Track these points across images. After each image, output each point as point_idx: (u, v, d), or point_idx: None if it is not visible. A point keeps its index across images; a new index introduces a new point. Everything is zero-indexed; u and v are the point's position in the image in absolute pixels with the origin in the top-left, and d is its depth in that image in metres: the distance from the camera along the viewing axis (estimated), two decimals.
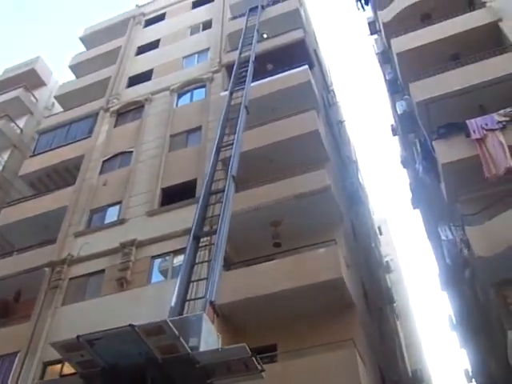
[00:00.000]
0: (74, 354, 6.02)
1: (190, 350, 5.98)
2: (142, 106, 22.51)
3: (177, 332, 5.91)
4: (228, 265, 13.89)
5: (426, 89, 15.92)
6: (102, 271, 15.84)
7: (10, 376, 14.22)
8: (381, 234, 37.71)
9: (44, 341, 14.59)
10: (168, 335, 5.83)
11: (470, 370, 22.23)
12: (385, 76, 23.60)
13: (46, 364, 14.24)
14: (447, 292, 22.67)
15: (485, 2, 18.16)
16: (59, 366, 14.17)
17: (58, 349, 6.09)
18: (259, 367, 6.18)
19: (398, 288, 38.30)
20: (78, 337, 5.94)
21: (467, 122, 14.05)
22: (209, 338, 6.51)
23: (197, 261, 9.11)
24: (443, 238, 14.93)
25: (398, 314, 32.99)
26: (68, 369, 14.11)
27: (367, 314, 16.04)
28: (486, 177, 13.04)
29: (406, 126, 19.46)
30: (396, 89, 21.09)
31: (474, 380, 22.10)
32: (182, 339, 5.89)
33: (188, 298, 8.08)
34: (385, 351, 18.42)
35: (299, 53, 20.83)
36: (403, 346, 30.15)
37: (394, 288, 34.55)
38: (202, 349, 6.18)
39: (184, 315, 7.12)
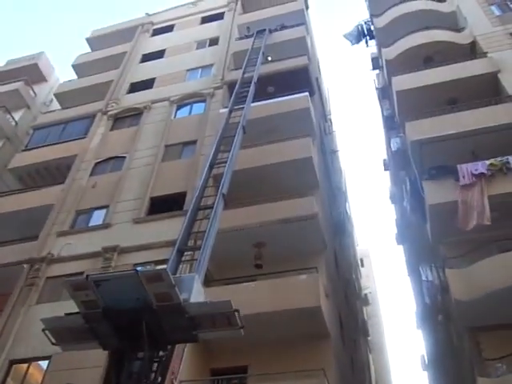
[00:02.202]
0: (81, 293, 6.52)
1: (181, 300, 6.65)
2: (141, 114, 22.58)
3: (173, 281, 6.59)
4: (208, 281, 13.85)
5: (422, 129, 16.21)
6: (81, 274, 15.68)
7: None
8: (362, 266, 37.88)
9: (13, 338, 14.40)
10: (165, 283, 6.45)
11: None
12: (382, 111, 24.00)
13: (12, 362, 14.04)
14: (422, 331, 22.77)
15: (486, 52, 18.65)
16: (25, 365, 14.03)
17: (67, 287, 6.57)
18: (239, 323, 6.72)
19: (374, 322, 38.36)
20: (87, 276, 6.49)
21: (458, 166, 14.30)
22: (198, 297, 7.16)
23: (177, 274, 9.10)
24: (424, 277, 15.06)
25: (372, 348, 32.94)
26: (33, 369, 13.97)
27: (341, 345, 16.03)
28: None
29: (398, 162, 19.75)
30: (392, 125, 21.43)
31: None
32: (176, 289, 6.57)
33: None
34: (355, 383, 18.37)
35: (301, 79, 21.08)
36: (373, 381, 30.06)
37: (370, 321, 34.61)
38: None
39: (178, 275, 7.72)
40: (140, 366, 6.58)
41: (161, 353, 6.89)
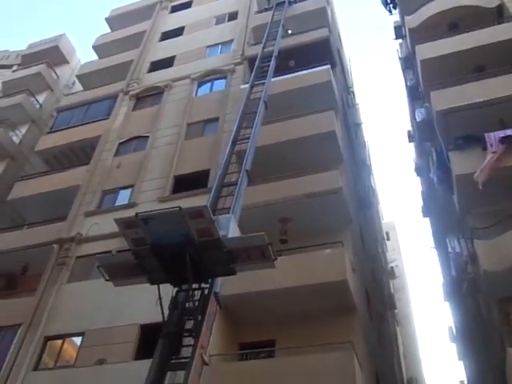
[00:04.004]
0: (131, 231, 7.12)
1: (220, 235, 7.24)
2: (162, 92, 22.59)
3: (213, 217, 7.25)
4: None
5: (447, 98, 15.80)
6: (110, 252, 15.97)
7: (11, 348, 14.44)
8: (388, 239, 37.65)
9: (47, 315, 14.84)
10: (205, 219, 7.05)
11: (465, 382, 22.20)
12: (406, 82, 23.47)
13: (47, 338, 14.49)
14: (450, 303, 22.64)
15: None
16: (60, 341, 14.48)
17: (119, 224, 7.17)
18: (273, 256, 7.23)
19: (401, 295, 38.30)
20: (136, 214, 7.06)
21: (486, 135, 13.95)
22: (234, 234, 7.82)
23: None
24: (450, 249, 14.89)
25: (399, 321, 32.96)
26: (68, 345, 14.41)
27: (368, 319, 16.06)
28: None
29: (423, 133, 19.36)
30: (416, 95, 20.97)
31: None
32: (216, 224, 7.20)
33: None
34: (382, 357, 18.44)
35: (322, 51, 20.74)
36: (401, 353, 30.15)
37: (396, 294, 34.55)
38: None
39: (215, 216, 8.09)
40: (185, 297, 7.27)
41: (203, 284, 7.53)
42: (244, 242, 7.39)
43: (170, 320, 7.14)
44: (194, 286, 7.54)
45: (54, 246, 16.87)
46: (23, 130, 24.77)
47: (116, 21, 30.89)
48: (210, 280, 7.71)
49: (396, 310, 30.75)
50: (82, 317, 14.19)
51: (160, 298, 7.32)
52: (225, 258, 7.30)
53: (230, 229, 7.71)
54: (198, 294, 7.53)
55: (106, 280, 7.70)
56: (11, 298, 16.24)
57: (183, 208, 7.07)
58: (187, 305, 7.35)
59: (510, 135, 13.53)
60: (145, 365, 7.11)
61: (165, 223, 7.09)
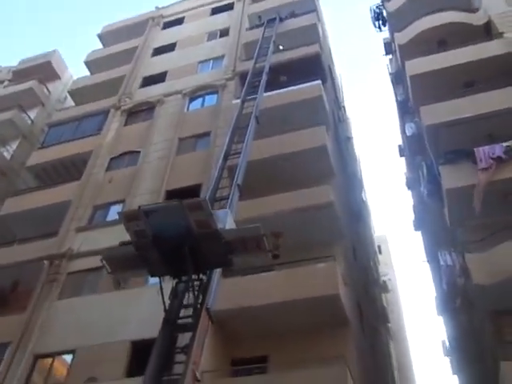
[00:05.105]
0: (132, 223, 7.33)
1: (218, 227, 7.51)
2: (153, 107, 22.67)
3: (211, 210, 7.56)
4: (226, 272, 13.87)
5: (437, 113, 15.97)
6: (101, 268, 15.79)
7: (0, 366, 14.23)
8: (380, 252, 37.65)
9: (37, 333, 14.65)
10: (204, 212, 7.31)
11: None
12: (396, 97, 23.70)
13: (37, 357, 14.30)
14: (443, 317, 22.60)
15: (502, 33, 18.24)
16: (50, 359, 14.29)
17: (122, 217, 7.44)
18: (267, 247, 7.58)
19: (394, 308, 38.15)
20: (139, 207, 7.32)
21: (475, 149, 14.08)
22: (231, 227, 8.15)
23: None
24: (442, 263, 14.90)
25: (392, 335, 32.82)
26: (58, 363, 14.22)
27: (361, 333, 16.00)
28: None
29: (413, 148, 19.50)
30: (406, 110, 21.16)
31: None
32: (214, 217, 7.46)
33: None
34: (376, 371, 18.34)
35: (313, 67, 20.93)
36: (395, 368, 29.99)
37: (389, 308, 34.43)
38: None
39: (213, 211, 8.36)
40: (185, 287, 7.61)
41: (201, 276, 7.85)
42: (240, 233, 7.68)
43: (171, 310, 7.49)
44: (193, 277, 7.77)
45: (45, 262, 16.72)
46: (14, 145, 24.71)
47: (108, 37, 31.05)
48: (208, 272, 7.97)
49: (389, 324, 30.63)
50: (72, 334, 14.04)
51: (161, 288, 7.58)
52: (222, 249, 7.51)
53: (227, 223, 8.00)
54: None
55: (109, 273, 7.91)
56: (1, 316, 16.01)
57: (183, 200, 7.30)
58: (182, 322, 7.45)
59: (499, 156, 13.68)
60: (136, 383, 7.06)
61: (165, 216, 7.32)
